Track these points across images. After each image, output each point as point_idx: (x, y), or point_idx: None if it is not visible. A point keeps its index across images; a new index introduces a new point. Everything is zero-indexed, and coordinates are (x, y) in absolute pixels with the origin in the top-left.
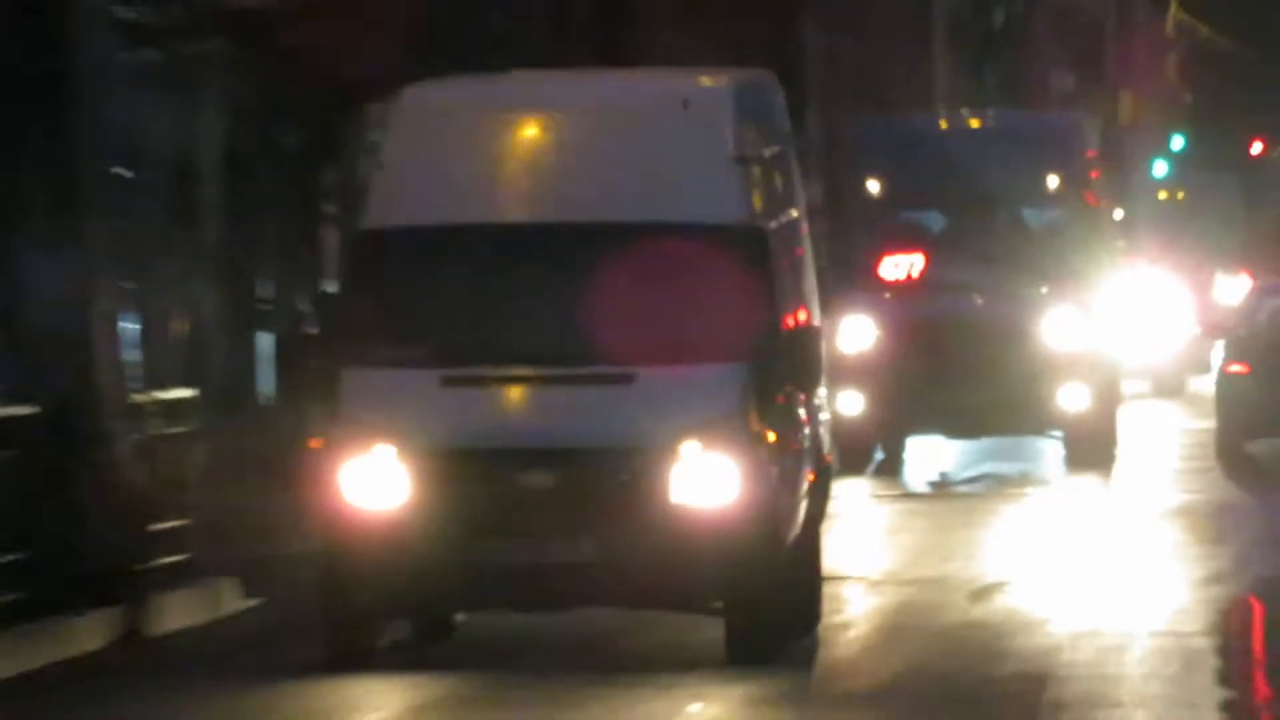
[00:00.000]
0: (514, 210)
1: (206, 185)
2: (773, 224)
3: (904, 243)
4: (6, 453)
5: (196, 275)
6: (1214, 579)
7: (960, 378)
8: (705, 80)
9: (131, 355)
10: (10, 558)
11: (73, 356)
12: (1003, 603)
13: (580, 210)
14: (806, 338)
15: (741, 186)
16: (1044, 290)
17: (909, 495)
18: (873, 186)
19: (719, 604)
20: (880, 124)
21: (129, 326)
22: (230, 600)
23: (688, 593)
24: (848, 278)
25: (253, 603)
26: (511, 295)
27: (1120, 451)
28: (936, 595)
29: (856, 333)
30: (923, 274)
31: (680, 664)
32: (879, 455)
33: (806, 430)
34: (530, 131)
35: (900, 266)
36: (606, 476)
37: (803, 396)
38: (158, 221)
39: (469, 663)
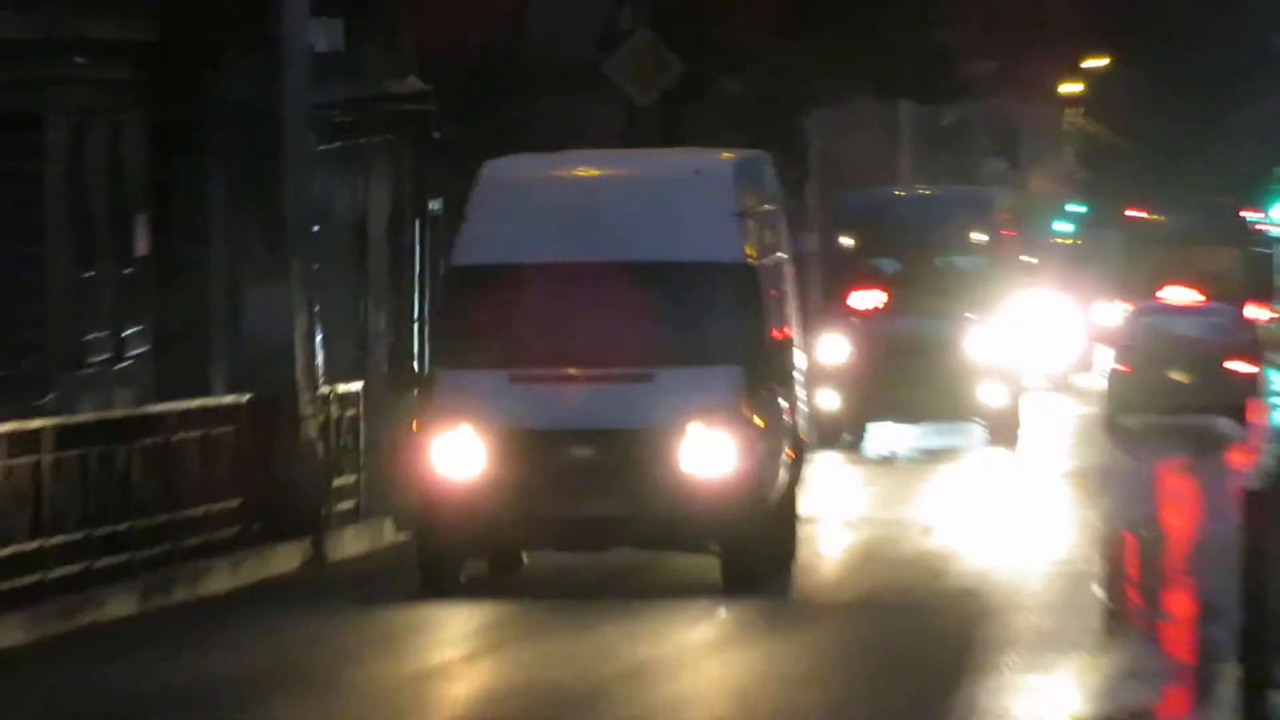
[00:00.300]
0: (564, 252)
1: (373, 239)
2: (762, 263)
3: (869, 281)
4: (228, 428)
5: (363, 302)
6: (1098, 521)
7: (908, 379)
8: (712, 155)
9: (319, 359)
10: (231, 504)
11: (279, 359)
12: (942, 539)
13: (614, 252)
14: (784, 348)
15: (738, 234)
16: (969, 315)
17: (870, 462)
18: (847, 241)
19: (717, 547)
20: (855, 195)
21: (318, 337)
22: (387, 534)
23: (695, 538)
24: (828, 306)
25: (403, 536)
26: (562, 314)
27: (1024, 432)
28: (892, 533)
29: (833, 347)
30: (883, 304)
31: (690, 591)
32: (847, 436)
33: (786, 417)
34: (576, 194)
35: (866, 299)
36: (633, 450)
37: (781, 391)
38: (340, 265)
39: (529, 591)
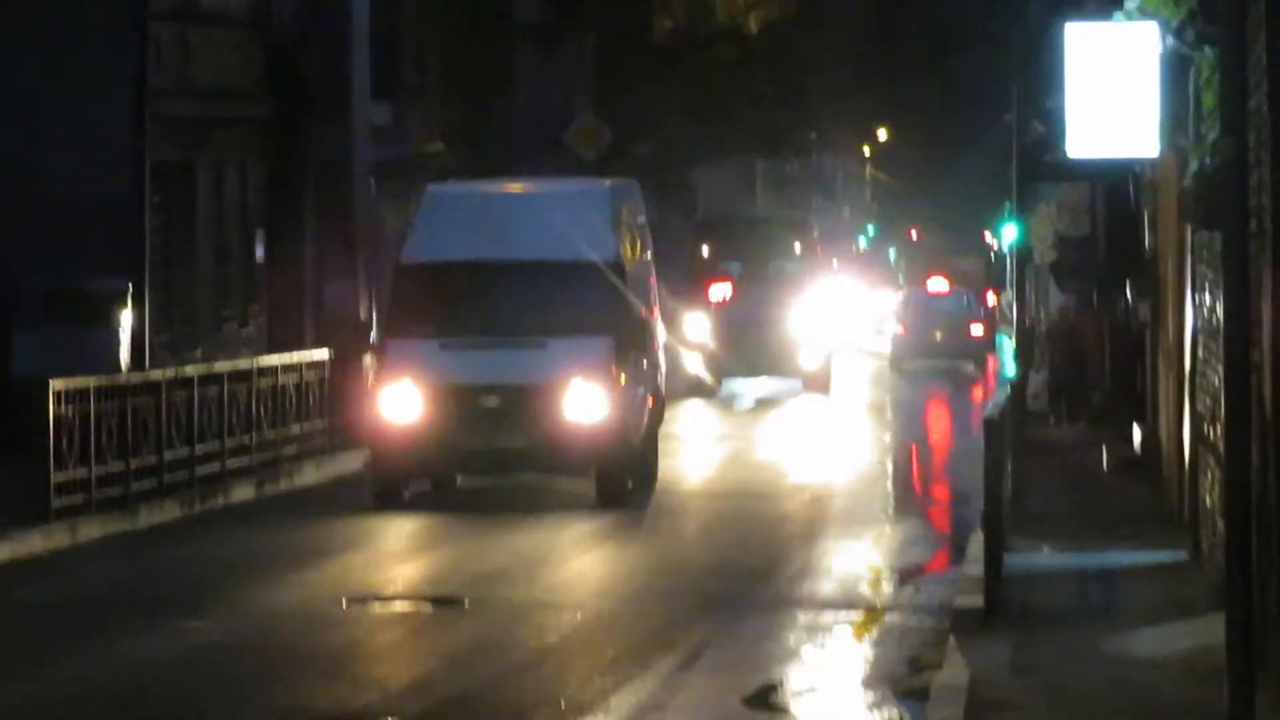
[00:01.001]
0: (481, 252)
1: None
2: (631, 262)
3: (722, 280)
4: (316, 374)
5: None
6: (888, 438)
7: (751, 347)
8: (594, 181)
9: (373, 329)
10: (319, 424)
11: (346, 328)
12: (777, 454)
13: (520, 252)
14: (646, 324)
15: (611, 239)
16: (793, 303)
17: (724, 406)
18: (705, 249)
19: (592, 471)
20: (712, 215)
21: (374, 314)
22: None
23: (575, 465)
24: (692, 297)
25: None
26: (480, 298)
27: (834, 383)
28: (740, 449)
29: (698, 326)
30: (730, 295)
31: (571, 505)
32: (708, 386)
33: (647, 374)
34: (492, 209)
35: (719, 291)
36: (530, 399)
37: (644, 356)
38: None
39: (454, 507)
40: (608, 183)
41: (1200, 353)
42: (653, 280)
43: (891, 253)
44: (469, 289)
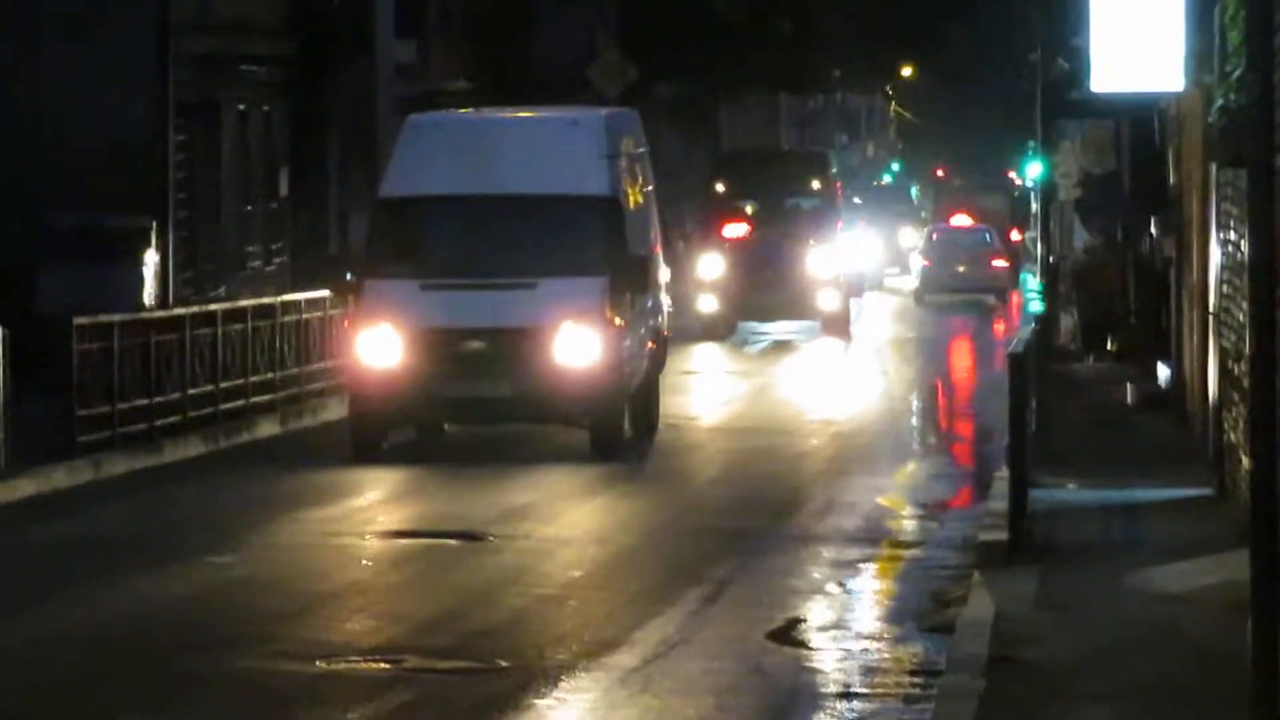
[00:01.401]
0: (465, 186)
1: None
2: (626, 195)
3: (737, 218)
4: (341, 310)
5: None
6: (912, 375)
7: (766, 288)
8: (589, 110)
9: None
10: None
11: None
12: (801, 392)
13: (506, 186)
14: (643, 263)
15: (606, 173)
16: (811, 242)
17: (739, 349)
18: (720, 187)
19: (586, 421)
20: (727, 151)
21: None
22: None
23: (567, 414)
24: (707, 236)
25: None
26: (463, 236)
27: (854, 326)
28: (763, 387)
29: (711, 266)
30: (746, 234)
31: (562, 455)
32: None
33: (645, 318)
34: (477, 140)
35: (735, 229)
36: (517, 344)
37: (642, 299)
38: None
39: (438, 457)
40: (603, 111)
41: (1225, 289)
42: (654, 216)
43: (914, 190)
44: (452, 225)
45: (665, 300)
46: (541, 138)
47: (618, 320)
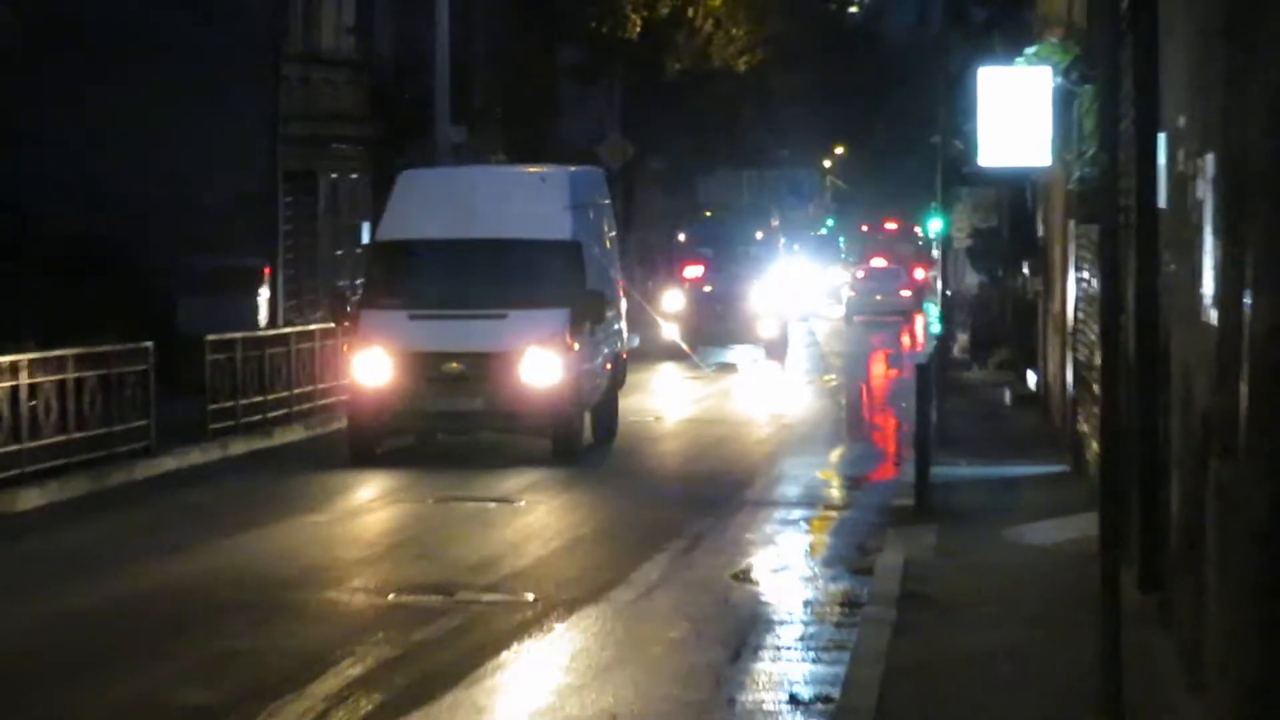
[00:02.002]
0: (449, 231)
1: None
2: (588, 241)
3: (696, 261)
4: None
5: None
6: (842, 379)
7: (719, 319)
8: (557, 169)
9: None
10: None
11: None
12: (749, 399)
13: (483, 231)
14: (598, 298)
15: (569, 221)
16: (754, 281)
17: (698, 368)
18: (682, 236)
19: (549, 431)
20: (694, 220)
21: None
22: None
23: (531, 425)
24: (671, 276)
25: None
26: (446, 274)
27: (791, 350)
28: (718, 395)
29: (674, 300)
30: (703, 275)
31: (529, 460)
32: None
33: (604, 343)
34: (462, 192)
35: (693, 271)
36: (490, 366)
37: (599, 327)
38: None
39: (422, 463)
40: (569, 169)
41: (1079, 315)
42: (615, 258)
43: (841, 240)
44: (436, 264)
45: (623, 328)
46: (514, 191)
47: (576, 346)
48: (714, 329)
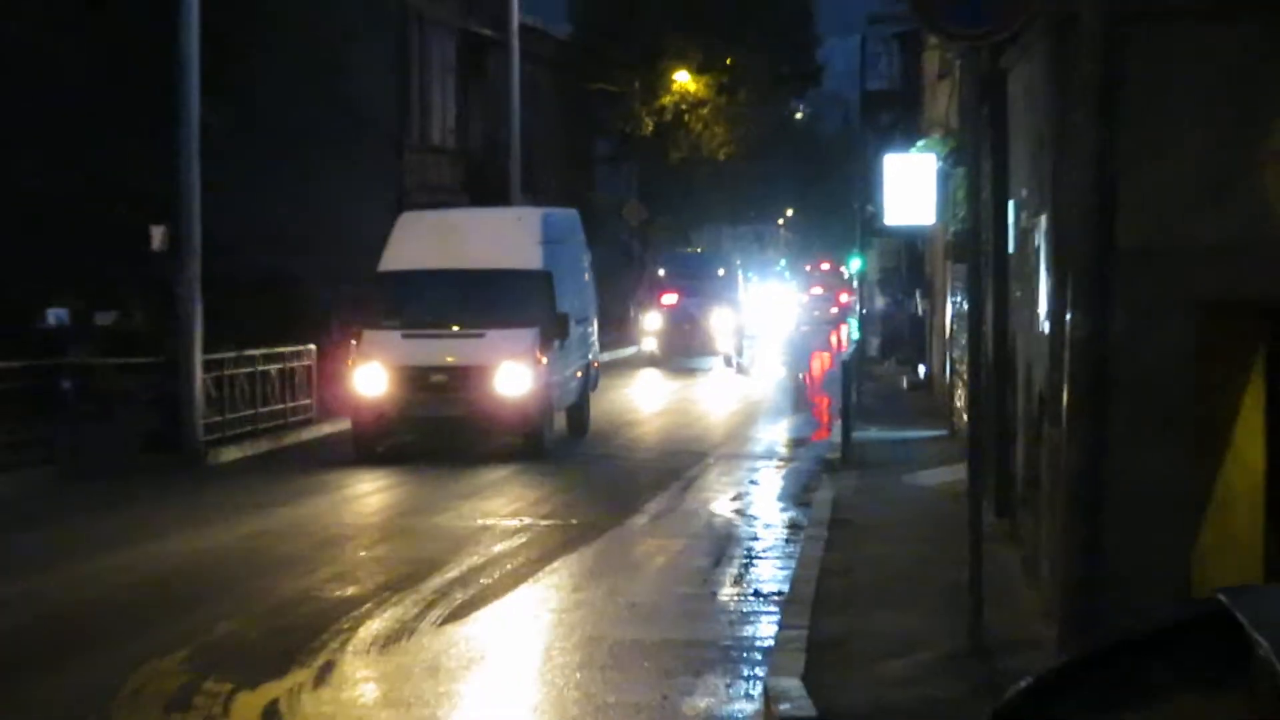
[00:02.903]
0: (438, 262)
1: None
2: (558, 270)
3: (671, 290)
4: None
5: None
6: (788, 371)
7: (687, 335)
8: (532, 209)
9: None
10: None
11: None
12: (715, 392)
13: (467, 262)
14: (564, 319)
15: (540, 254)
16: (716, 307)
17: (673, 372)
18: (661, 272)
19: (520, 432)
20: (666, 252)
21: None
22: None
23: (505, 428)
24: (652, 302)
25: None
26: (435, 299)
27: (746, 361)
28: (688, 390)
29: (653, 321)
30: (678, 301)
31: (506, 458)
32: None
33: (575, 355)
34: (450, 231)
35: (668, 298)
36: (470, 377)
37: (569, 342)
38: None
39: (415, 460)
40: (543, 210)
41: (953, 327)
42: (590, 286)
43: (788, 275)
44: (427, 291)
45: (595, 342)
46: (494, 229)
47: (544, 359)
48: (683, 343)
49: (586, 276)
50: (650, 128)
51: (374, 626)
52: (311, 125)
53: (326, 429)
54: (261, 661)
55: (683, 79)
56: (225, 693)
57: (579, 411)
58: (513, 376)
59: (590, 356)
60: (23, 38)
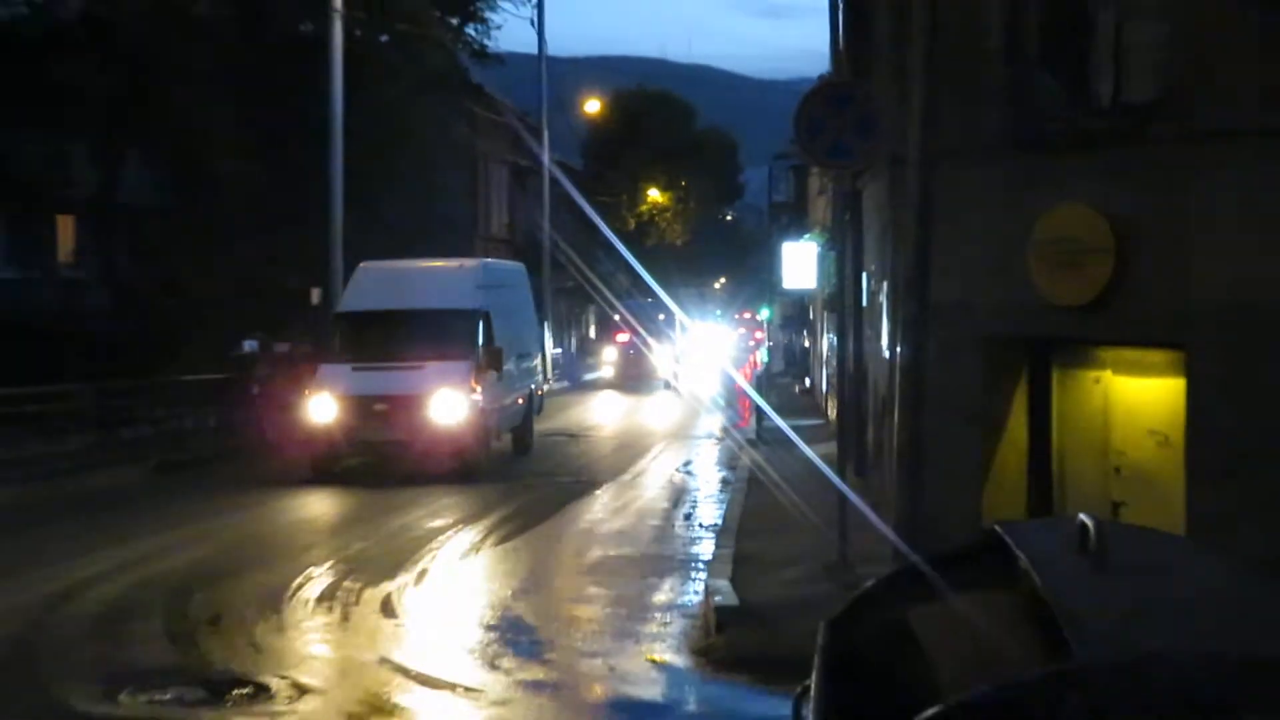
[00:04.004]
0: (387, 304)
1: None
2: (498, 311)
3: (624, 330)
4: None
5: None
6: (720, 386)
7: (635, 365)
8: (473, 260)
9: None
10: None
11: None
12: (656, 407)
13: (413, 303)
14: (497, 353)
15: (480, 296)
16: (658, 345)
17: (624, 392)
18: (616, 318)
19: (455, 454)
20: (622, 303)
21: None
22: None
23: (441, 451)
24: (609, 340)
25: None
26: (383, 336)
27: (685, 383)
28: (638, 404)
29: (610, 354)
30: (628, 340)
31: (446, 483)
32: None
33: (517, 384)
34: (400, 278)
35: (622, 337)
36: (408, 406)
37: (506, 374)
38: None
39: (363, 481)
40: (483, 260)
41: (826, 354)
42: (530, 325)
43: (722, 320)
44: (376, 329)
45: (539, 374)
46: (439, 276)
47: (478, 389)
48: (632, 372)
49: (530, 317)
50: (633, 224)
51: (452, 545)
52: (414, 223)
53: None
54: (381, 569)
55: (654, 194)
56: (357, 589)
57: (522, 433)
58: (446, 404)
59: (533, 385)
60: (233, 167)
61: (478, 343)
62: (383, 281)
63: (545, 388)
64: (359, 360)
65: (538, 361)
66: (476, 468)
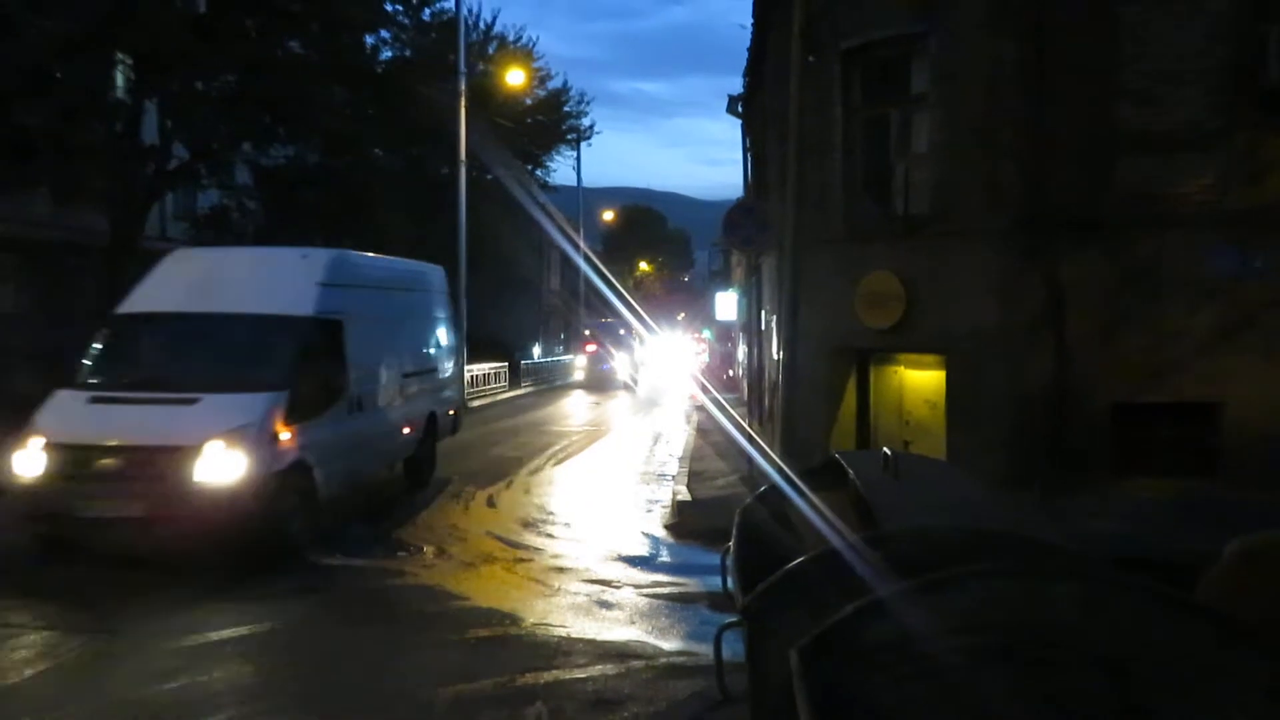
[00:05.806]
0: (188, 306)
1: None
2: (361, 316)
3: (591, 343)
4: None
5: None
6: (690, 388)
7: (600, 371)
8: (318, 250)
9: None
10: None
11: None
12: (625, 406)
13: (222, 306)
14: (339, 378)
15: (317, 298)
16: (621, 352)
17: (588, 397)
18: (586, 331)
19: (238, 532)
20: (591, 320)
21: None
22: None
23: (208, 529)
24: (580, 350)
25: None
26: (161, 352)
27: (643, 386)
28: (603, 400)
29: (580, 361)
30: (595, 350)
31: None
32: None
33: (397, 413)
34: (218, 270)
35: (591, 348)
36: (152, 463)
37: (359, 405)
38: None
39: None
40: (326, 253)
41: (743, 357)
42: (432, 334)
43: (682, 336)
44: (157, 341)
45: (449, 393)
46: (269, 268)
47: (292, 431)
48: (598, 376)
49: (439, 327)
50: (631, 284)
51: (529, 466)
52: (504, 275)
53: (509, 393)
54: (486, 478)
55: (643, 266)
56: (472, 492)
57: (418, 464)
58: (220, 459)
59: (439, 408)
60: (397, 228)
61: (311, 364)
62: (192, 274)
63: (458, 409)
64: (110, 386)
65: (449, 377)
66: (279, 547)
